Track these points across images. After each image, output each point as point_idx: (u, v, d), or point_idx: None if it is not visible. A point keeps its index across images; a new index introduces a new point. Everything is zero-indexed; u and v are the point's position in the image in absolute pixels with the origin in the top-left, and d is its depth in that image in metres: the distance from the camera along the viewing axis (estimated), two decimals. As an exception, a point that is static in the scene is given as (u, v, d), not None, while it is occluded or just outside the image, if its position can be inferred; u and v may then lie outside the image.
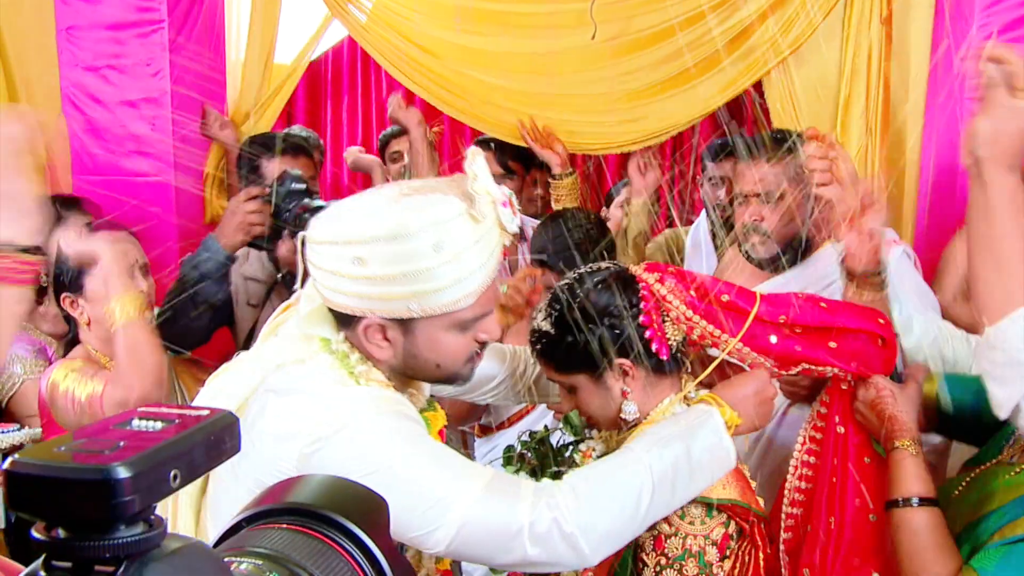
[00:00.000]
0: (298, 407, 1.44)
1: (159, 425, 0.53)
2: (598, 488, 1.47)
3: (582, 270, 1.75)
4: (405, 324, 1.49)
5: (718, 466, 1.58)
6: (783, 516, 1.80)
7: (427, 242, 1.39)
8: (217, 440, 0.55)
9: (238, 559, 0.59)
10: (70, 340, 2.43)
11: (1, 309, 1.59)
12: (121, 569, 0.47)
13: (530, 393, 2.08)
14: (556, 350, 1.69)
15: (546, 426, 2.37)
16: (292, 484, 0.71)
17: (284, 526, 0.65)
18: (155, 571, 0.47)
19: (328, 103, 5.50)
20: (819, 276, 2.53)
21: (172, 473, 0.50)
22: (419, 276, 1.41)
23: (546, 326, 1.70)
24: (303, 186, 2.54)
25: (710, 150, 3.61)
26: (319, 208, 2.20)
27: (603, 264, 1.78)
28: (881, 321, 1.73)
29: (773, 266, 2.58)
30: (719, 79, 3.18)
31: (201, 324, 2.58)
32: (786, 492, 1.82)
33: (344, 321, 1.52)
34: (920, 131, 2.74)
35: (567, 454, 2.12)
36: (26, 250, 1.59)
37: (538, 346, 1.73)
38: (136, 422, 0.53)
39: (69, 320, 2.37)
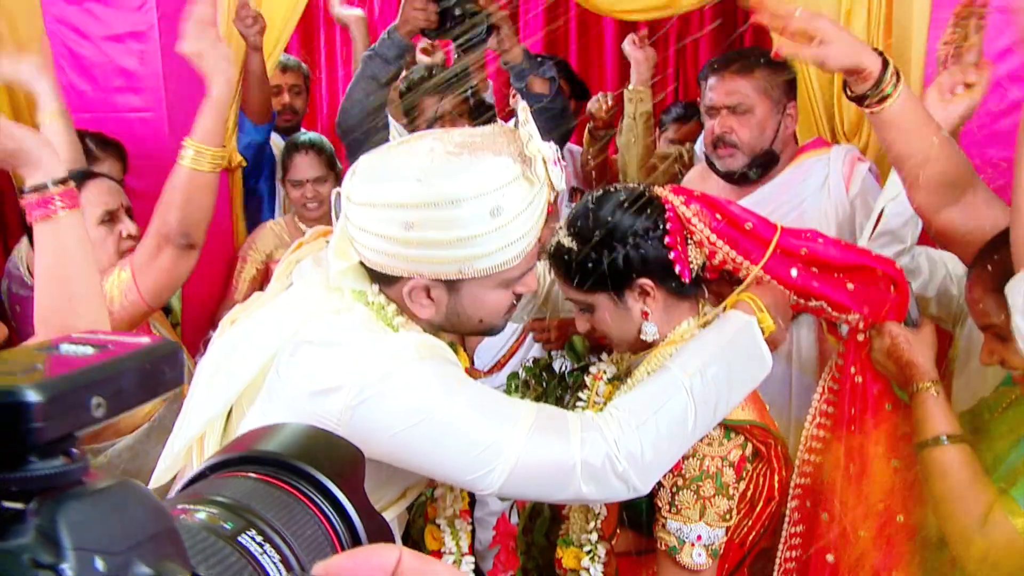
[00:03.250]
0: (339, 359, 1.41)
1: (89, 350, 0.48)
2: (644, 418, 1.47)
3: (608, 188, 1.73)
4: (451, 284, 1.47)
5: (756, 375, 1.59)
6: (798, 462, 1.79)
7: (483, 207, 1.37)
8: (154, 370, 0.49)
9: (194, 507, 0.55)
10: None
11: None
12: (32, 505, 0.42)
13: (538, 310, 2.06)
14: (578, 267, 1.67)
15: (549, 352, 2.35)
16: (264, 433, 0.66)
17: (251, 475, 0.61)
18: (72, 509, 0.42)
19: (322, 31, 5.39)
20: (789, 197, 2.56)
21: (95, 401, 0.44)
22: (473, 240, 1.39)
23: (569, 242, 1.67)
24: None
25: (705, 70, 3.62)
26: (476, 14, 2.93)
27: (629, 184, 1.75)
28: (896, 268, 1.73)
29: (741, 179, 2.61)
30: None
31: (368, 100, 3.03)
32: (803, 439, 1.82)
33: (382, 280, 1.49)
34: (924, 44, 2.65)
35: (571, 380, 2.11)
36: (62, 180, 1.66)
37: (559, 262, 1.71)
38: (64, 346, 0.48)
39: None
